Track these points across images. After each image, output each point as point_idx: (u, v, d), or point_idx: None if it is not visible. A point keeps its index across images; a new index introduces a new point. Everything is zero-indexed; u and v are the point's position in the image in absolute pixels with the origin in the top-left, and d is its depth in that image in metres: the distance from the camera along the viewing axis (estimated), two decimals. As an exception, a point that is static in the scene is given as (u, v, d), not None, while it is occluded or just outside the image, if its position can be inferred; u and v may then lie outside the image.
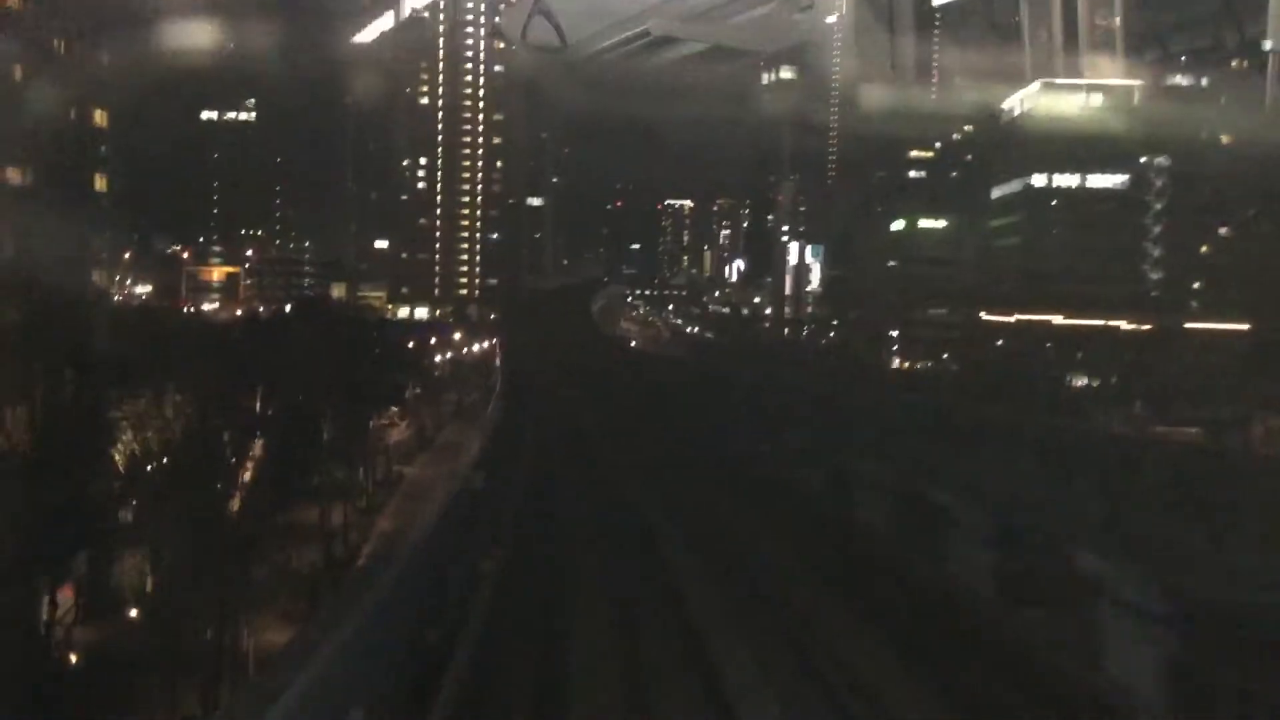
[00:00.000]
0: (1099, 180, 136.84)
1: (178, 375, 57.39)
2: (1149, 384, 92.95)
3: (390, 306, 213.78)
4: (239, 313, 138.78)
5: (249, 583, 38.38)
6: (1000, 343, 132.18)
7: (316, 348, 66.58)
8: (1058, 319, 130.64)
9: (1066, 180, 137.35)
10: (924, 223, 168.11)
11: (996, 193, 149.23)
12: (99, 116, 78.22)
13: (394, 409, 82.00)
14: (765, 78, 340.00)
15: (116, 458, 50.73)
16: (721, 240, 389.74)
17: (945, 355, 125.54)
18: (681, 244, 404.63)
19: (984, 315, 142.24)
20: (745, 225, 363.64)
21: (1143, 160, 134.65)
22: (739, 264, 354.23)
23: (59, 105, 76.93)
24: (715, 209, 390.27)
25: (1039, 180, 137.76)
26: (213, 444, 51.79)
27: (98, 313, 65.85)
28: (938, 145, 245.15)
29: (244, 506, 51.07)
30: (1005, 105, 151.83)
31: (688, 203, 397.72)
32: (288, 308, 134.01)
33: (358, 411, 64.65)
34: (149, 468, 52.57)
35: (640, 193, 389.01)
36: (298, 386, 61.31)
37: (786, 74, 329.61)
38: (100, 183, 78.49)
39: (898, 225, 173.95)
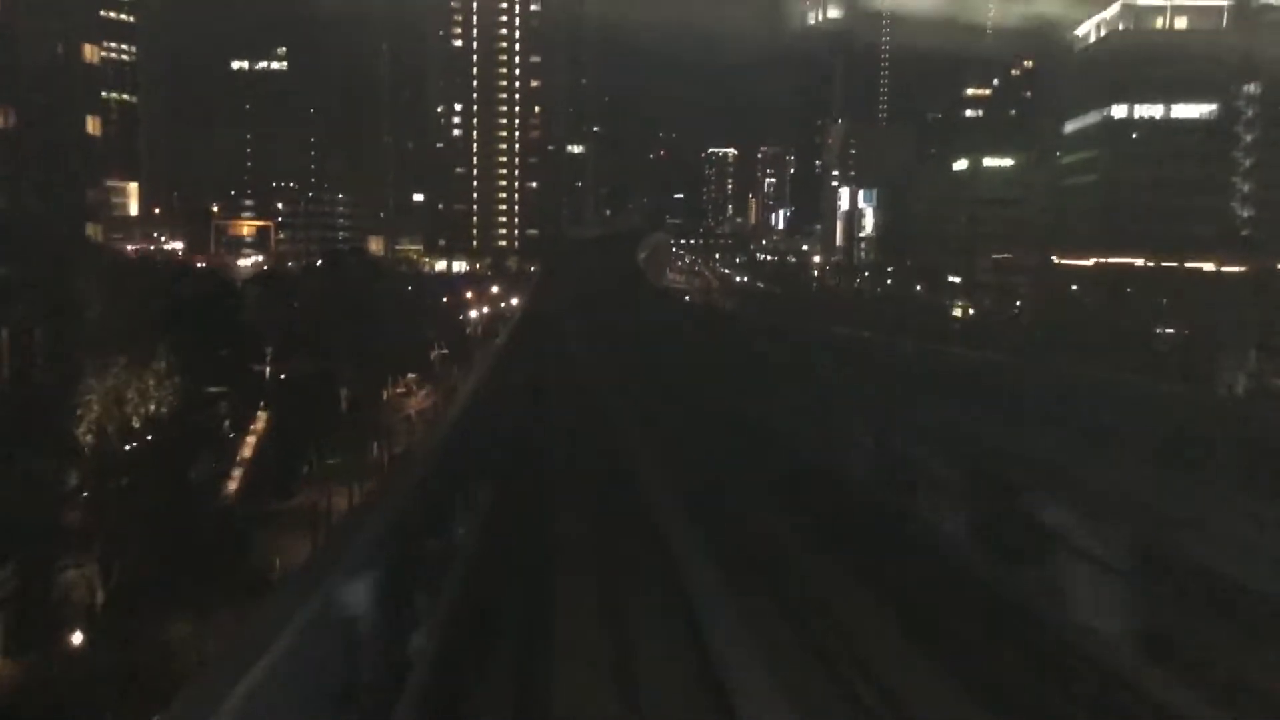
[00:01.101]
0: (1184, 110, 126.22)
1: (169, 338, 50.27)
2: (1255, 334, 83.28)
3: (427, 259, 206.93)
4: (265, 267, 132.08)
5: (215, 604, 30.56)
6: (1075, 288, 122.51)
7: (327, 308, 59.00)
8: (1139, 261, 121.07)
9: (1149, 111, 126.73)
10: (988, 161, 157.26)
11: (1070, 126, 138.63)
12: (89, 52, 70.41)
13: (411, 375, 73.44)
14: (812, 17, 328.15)
15: (86, 437, 43.62)
16: (767, 188, 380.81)
17: (1018, 304, 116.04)
18: (726, 192, 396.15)
19: (1056, 259, 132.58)
20: (791, 172, 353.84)
21: (1232, 88, 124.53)
22: (785, 211, 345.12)
23: (46, 43, 69.67)
24: (760, 156, 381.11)
25: (1119, 111, 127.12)
26: (198, 423, 44.68)
27: (84, 270, 58.57)
28: (995, 82, 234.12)
29: (237, 497, 43.93)
30: (1080, 31, 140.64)
31: (732, 150, 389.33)
32: (318, 263, 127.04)
33: (372, 379, 57.06)
34: (127, 448, 45.53)
35: (683, 141, 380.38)
36: (304, 353, 53.81)
37: (834, 12, 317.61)
38: (93, 125, 70.87)
39: (960, 165, 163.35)
